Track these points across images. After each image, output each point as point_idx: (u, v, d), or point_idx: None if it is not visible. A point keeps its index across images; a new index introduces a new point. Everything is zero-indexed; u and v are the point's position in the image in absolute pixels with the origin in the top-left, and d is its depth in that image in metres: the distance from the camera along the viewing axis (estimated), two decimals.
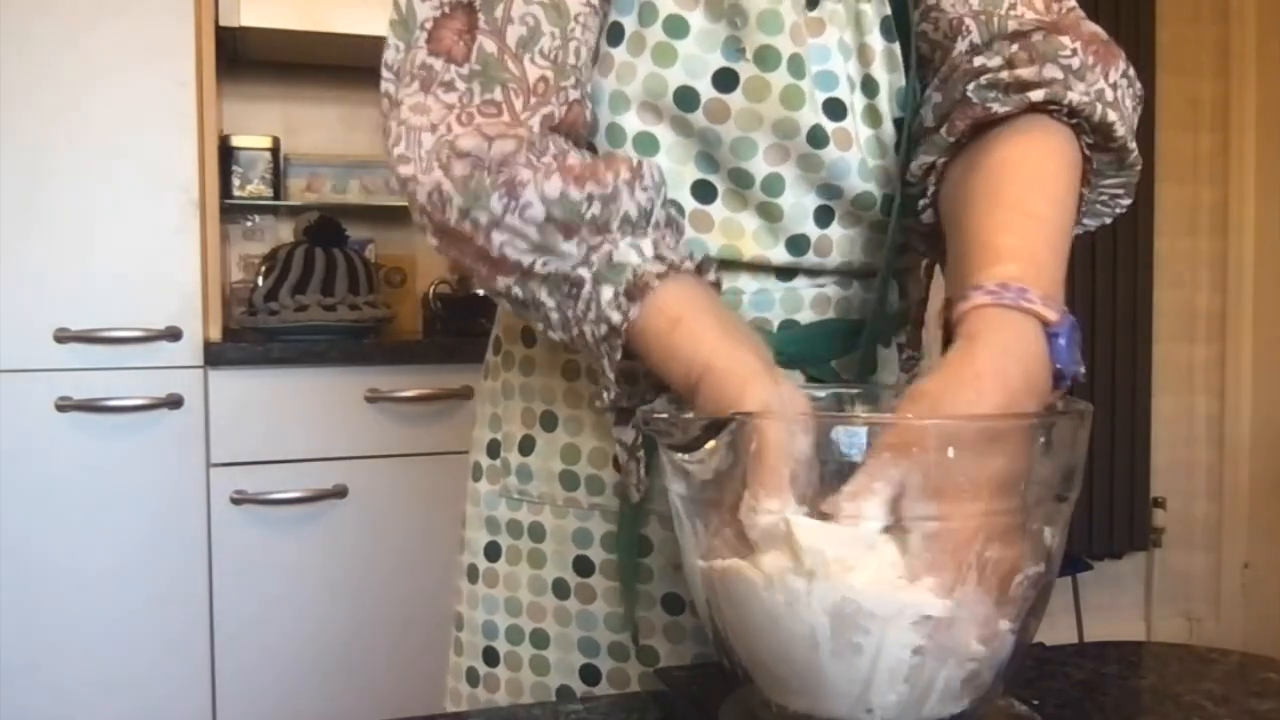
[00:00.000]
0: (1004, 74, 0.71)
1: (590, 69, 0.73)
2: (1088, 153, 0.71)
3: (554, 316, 0.67)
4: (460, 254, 0.68)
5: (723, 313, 0.66)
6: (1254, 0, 3.01)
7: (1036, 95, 0.69)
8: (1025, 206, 0.66)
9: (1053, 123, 0.70)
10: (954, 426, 0.52)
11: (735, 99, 0.72)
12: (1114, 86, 0.72)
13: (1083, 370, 0.61)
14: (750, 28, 0.72)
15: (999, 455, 0.52)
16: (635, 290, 0.64)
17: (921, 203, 0.75)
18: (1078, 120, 0.70)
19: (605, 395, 0.68)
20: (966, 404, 0.54)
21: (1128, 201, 0.77)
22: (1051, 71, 0.70)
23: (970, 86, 0.72)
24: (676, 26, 0.73)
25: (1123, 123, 0.71)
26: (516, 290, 0.67)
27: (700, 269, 0.67)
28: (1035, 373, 0.58)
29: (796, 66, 0.72)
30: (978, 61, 0.73)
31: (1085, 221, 0.78)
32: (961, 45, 0.75)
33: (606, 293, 0.64)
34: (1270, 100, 3.00)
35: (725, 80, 0.72)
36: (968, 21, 0.75)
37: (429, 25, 0.70)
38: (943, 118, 0.74)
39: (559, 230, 0.65)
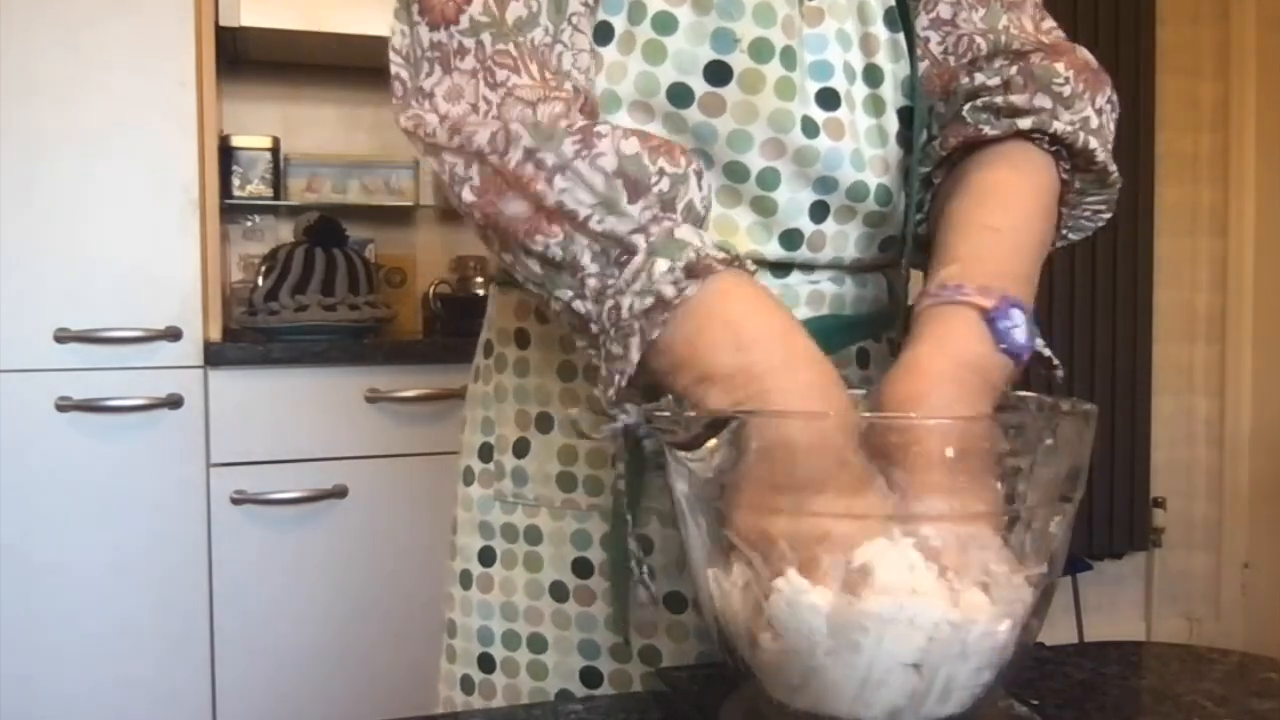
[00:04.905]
0: (999, 98, 0.76)
1: (585, 74, 0.71)
2: (1066, 176, 0.77)
3: (591, 283, 0.62)
4: (503, 205, 0.63)
5: (785, 314, 0.63)
6: (1254, 0, 3.01)
7: (1024, 123, 0.75)
8: (984, 221, 0.71)
9: (1034, 149, 0.75)
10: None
11: (730, 91, 0.72)
12: (1099, 112, 0.77)
13: (1036, 344, 0.65)
14: (746, 20, 0.72)
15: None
16: (696, 269, 0.59)
17: (917, 216, 0.79)
18: (1058, 148, 0.76)
19: (616, 380, 0.61)
20: (907, 393, 0.59)
21: (1108, 215, 0.82)
22: (1042, 100, 0.76)
23: (966, 107, 0.78)
24: (665, 23, 0.72)
25: (1104, 148, 0.76)
26: (556, 249, 0.62)
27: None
28: (975, 357, 0.62)
29: (789, 58, 0.73)
30: (978, 79, 0.79)
31: (1069, 235, 0.83)
32: (964, 60, 0.81)
33: (661, 265, 0.60)
34: (1270, 100, 3.00)
35: (718, 73, 0.72)
36: (977, 39, 0.80)
37: None
38: (941, 130, 0.79)
39: (627, 188, 0.61)
